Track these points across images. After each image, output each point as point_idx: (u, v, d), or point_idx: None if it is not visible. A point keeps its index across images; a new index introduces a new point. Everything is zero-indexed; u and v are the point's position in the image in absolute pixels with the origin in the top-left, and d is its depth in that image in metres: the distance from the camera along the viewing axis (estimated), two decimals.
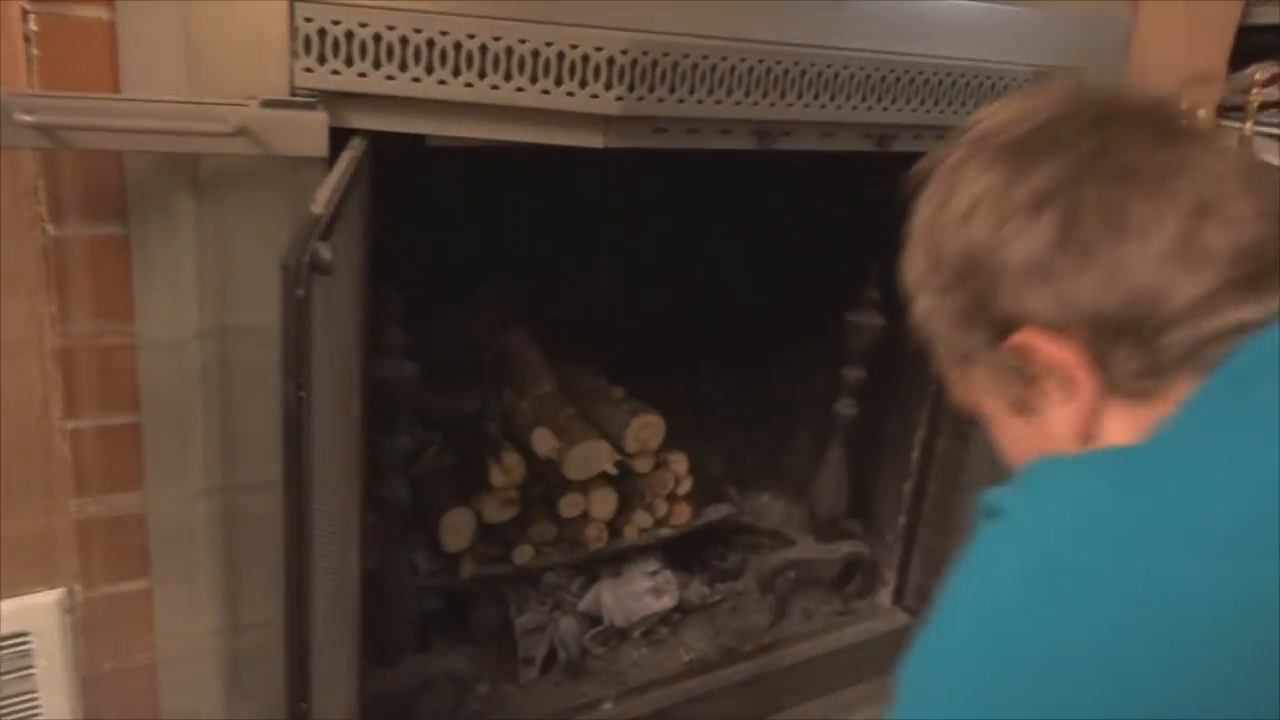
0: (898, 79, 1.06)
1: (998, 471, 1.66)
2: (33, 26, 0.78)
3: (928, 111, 1.10)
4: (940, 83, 1.10)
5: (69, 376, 0.86)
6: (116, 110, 0.73)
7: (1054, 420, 0.56)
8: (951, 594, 0.50)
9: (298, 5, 0.81)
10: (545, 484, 1.51)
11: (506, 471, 1.42)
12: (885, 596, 1.74)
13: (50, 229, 0.81)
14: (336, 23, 0.82)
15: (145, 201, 0.83)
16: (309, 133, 0.80)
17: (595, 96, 0.88)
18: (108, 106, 0.74)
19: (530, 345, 1.64)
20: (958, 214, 0.57)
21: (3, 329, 0.83)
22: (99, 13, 0.79)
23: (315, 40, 0.82)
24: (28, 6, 0.77)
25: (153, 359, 0.87)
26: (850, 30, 1.02)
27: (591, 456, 1.48)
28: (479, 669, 1.50)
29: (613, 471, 1.50)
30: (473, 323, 1.66)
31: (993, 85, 1.14)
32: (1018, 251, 0.54)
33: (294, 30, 0.81)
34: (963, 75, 1.11)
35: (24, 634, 0.92)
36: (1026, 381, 0.57)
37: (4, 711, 0.93)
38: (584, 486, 1.51)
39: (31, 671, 0.93)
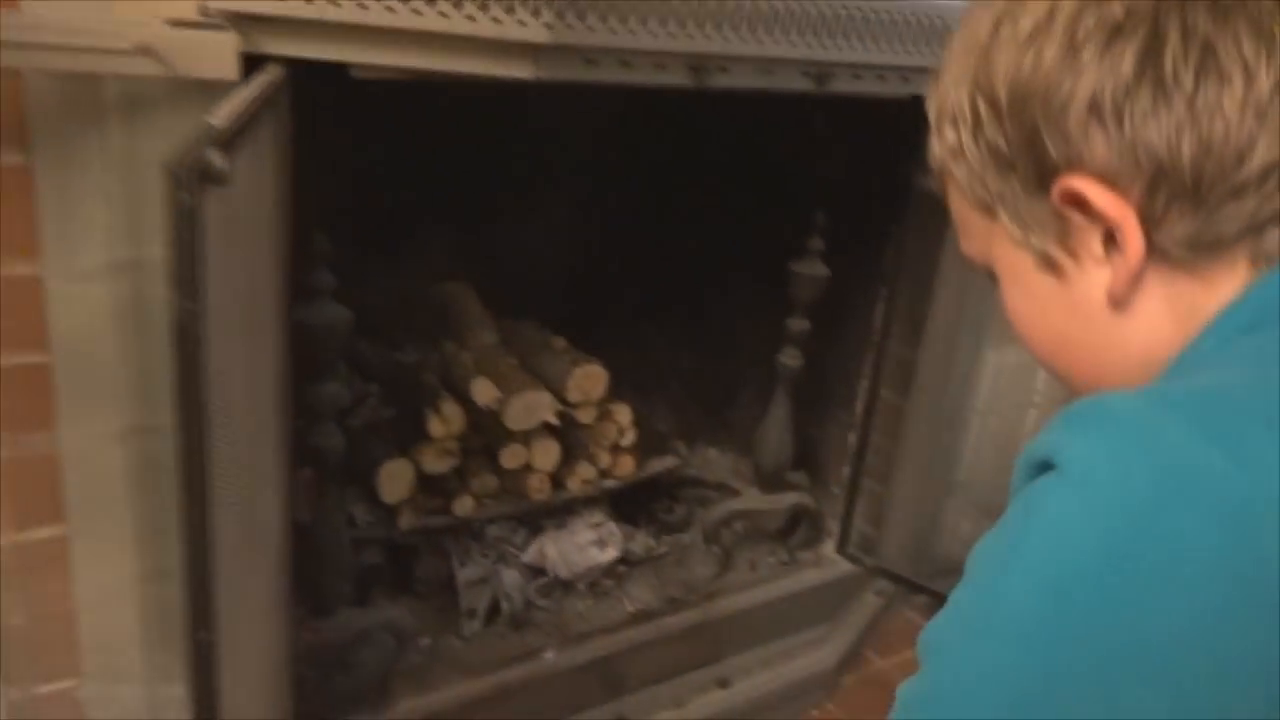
0: (837, 15, 1.05)
1: (940, 423, 1.66)
2: None
3: (867, 50, 1.09)
4: (881, 21, 1.08)
5: None
6: (9, 23, 0.69)
7: (1087, 282, 0.52)
8: (1004, 555, 0.44)
9: None
10: (486, 435, 1.49)
11: (445, 422, 1.40)
12: (830, 547, 1.75)
13: None
14: None
15: (49, 128, 0.79)
16: (217, 54, 0.76)
17: (523, 24, 0.85)
18: (4, 20, 0.70)
19: (469, 296, 1.62)
20: (1020, 37, 0.50)
21: None
22: None
23: None
24: None
25: (61, 294, 0.84)
26: None
27: (533, 406, 1.46)
28: (421, 622, 1.48)
29: (555, 422, 1.48)
30: (410, 273, 1.63)
31: (935, 26, 1.12)
32: (1086, 84, 0.48)
33: None
34: (903, 14, 1.09)
35: None
36: (1064, 235, 0.52)
37: None
38: (526, 438, 1.49)
39: None
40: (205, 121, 0.55)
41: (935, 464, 1.67)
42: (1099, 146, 0.49)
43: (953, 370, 1.62)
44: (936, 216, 1.51)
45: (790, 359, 1.62)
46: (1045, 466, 0.44)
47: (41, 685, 0.97)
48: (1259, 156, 0.47)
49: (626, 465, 1.61)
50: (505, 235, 1.67)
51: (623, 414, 1.59)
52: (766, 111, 1.63)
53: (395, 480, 1.39)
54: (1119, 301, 0.51)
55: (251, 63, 0.81)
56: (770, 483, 1.70)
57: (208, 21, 0.78)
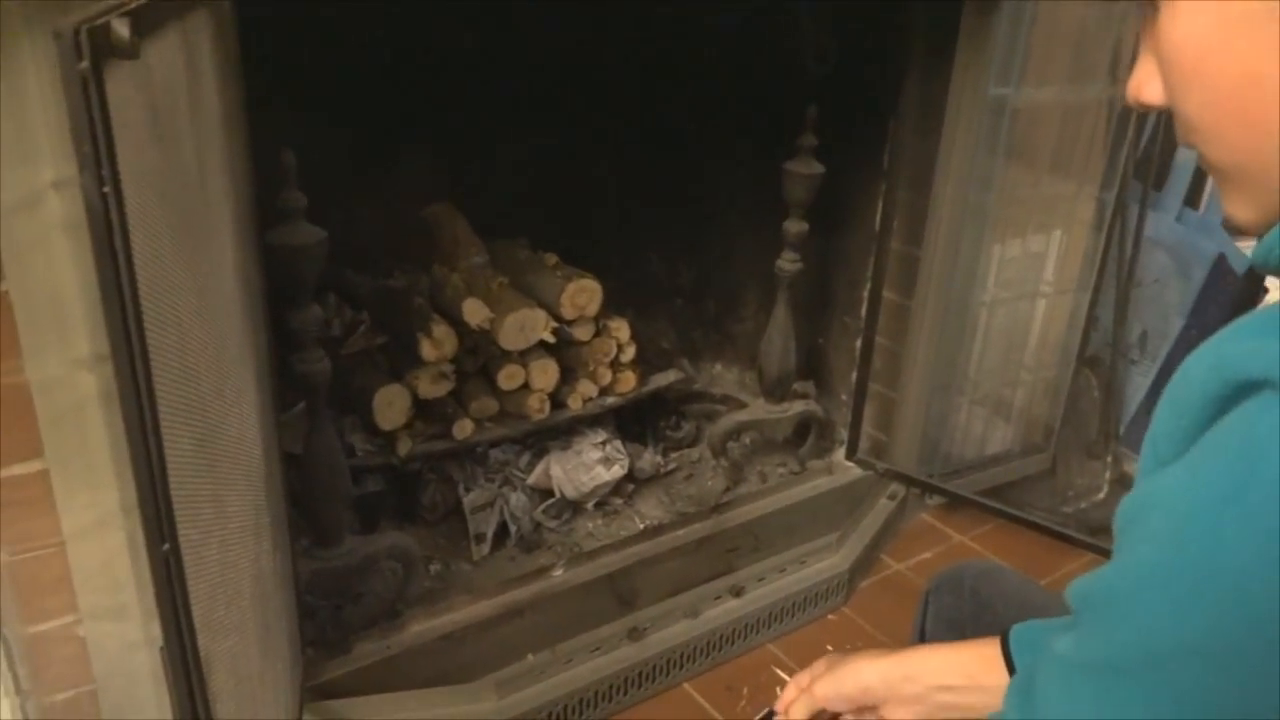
0: None
1: (946, 321, 1.60)
2: None
3: None
4: None
5: None
6: None
7: None
8: (1213, 501, 0.38)
9: None
10: (482, 357, 1.46)
11: (437, 344, 1.37)
12: (840, 454, 1.72)
13: None
14: None
15: None
16: None
17: None
18: None
19: (457, 217, 1.57)
20: None
21: None
22: None
23: None
24: None
25: (9, 216, 0.80)
26: None
27: (527, 325, 1.43)
28: (430, 548, 1.47)
29: (550, 340, 1.45)
30: (395, 198, 1.59)
31: None
32: None
33: None
34: None
35: None
36: None
37: None
38: (523, 357, 1.46)
39: None
40: None
41: (942, 363, 1.63)
42: None
43: (956, 265, 1.57)
44: (931, 106, 1.46)
45: (789, 263, 1.57)
46: (1250, 387, 0.37)
47: (41, 623, 0.96)
48: None
49: (628, 381, 1.59)
50: (490, 154, 1.62)
51: (621, 329, 1.55)
52: (752, 4, 1.56)
53: (391, 407, 1.36)
54: None
55: None
56: (776, 393, 1.67)
57: None
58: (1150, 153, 1.72)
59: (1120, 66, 1.51)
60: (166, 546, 0.53)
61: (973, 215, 1.55)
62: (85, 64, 0.43)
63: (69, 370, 0.86)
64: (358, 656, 1.18)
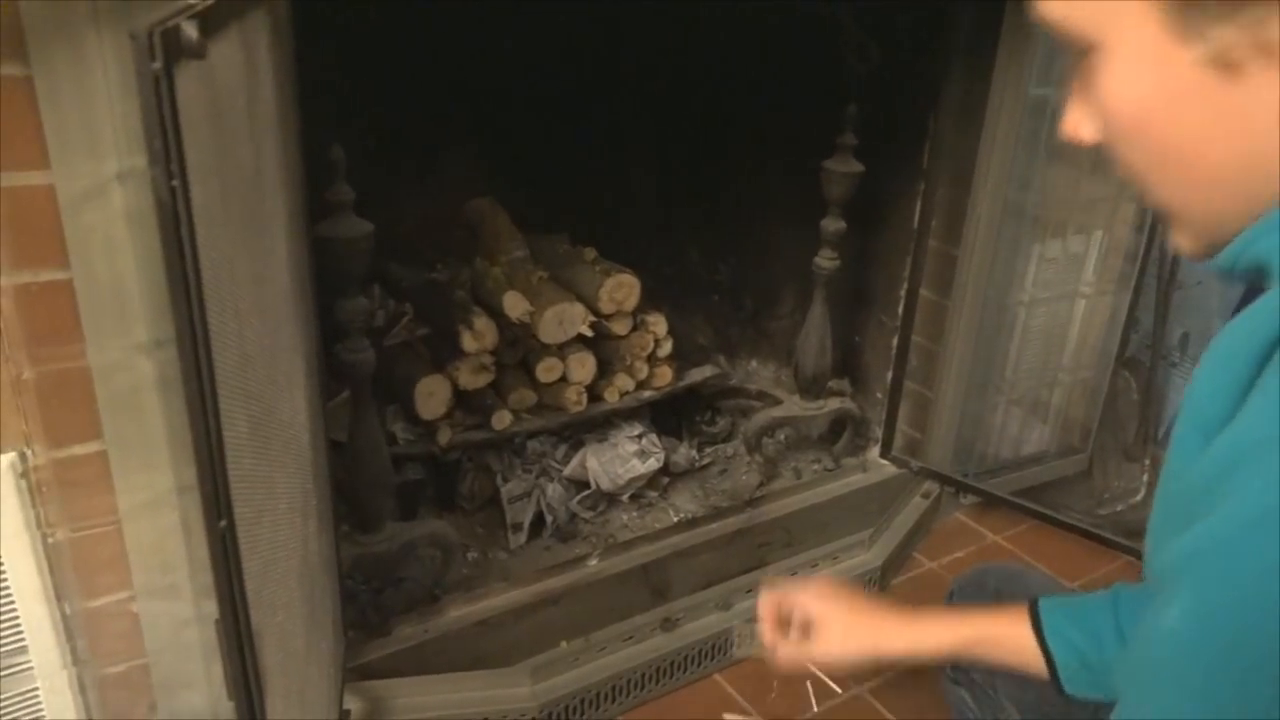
0: None
1: (983, 320, 1.61)
2: None
3: None
4: None
5: None
6: None
7: (1254, 98, 0.44)
8: None
9: None
10: (521, 350, 1.49)
11: (478, 336, 1.40)
12: (874, 451, 1.72)
13: None
14: None
15: (46, 37, 0.78)
16: None
17: None
18: None
19: (499, 211, 1.60)
20: None
21: None
22: None
23: None
24: None
25: (76, 208, 0.84)
26: None
27: (565, 318, 1.45)
28: (468, 536, 1.51)
29: (588, 333, 1.47)
30: (439, 191, 1.62)
31: None
32: None
33: None
34: None
35: None
36: (1260, 22, 0.42)
37: None
38: (561, 350, 1.49)
39: None
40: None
41: (979, 363, 1.63)
42: None
43: (995, 265, 1.57)
44: (971, 106, 1.46)
45: (827, 260, 1.58)
46: None
47: (98, 598, 1.00)
48: None
49: (665, 375, 1.60)
50: (533, 150, 1.65)
51: (658, 324, 1.57)
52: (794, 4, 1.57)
53: (432, 397, 1.40)
54: None
55: None
56: (812, 390, 1.68)
57: None
58: None
59: None
60: (224, 523, 0.56)
61: (1012, 215, 1.55)
62: (158, 64, 0.46)
63: (128, 356, 0.90)
64: (397, 639, 1.21)
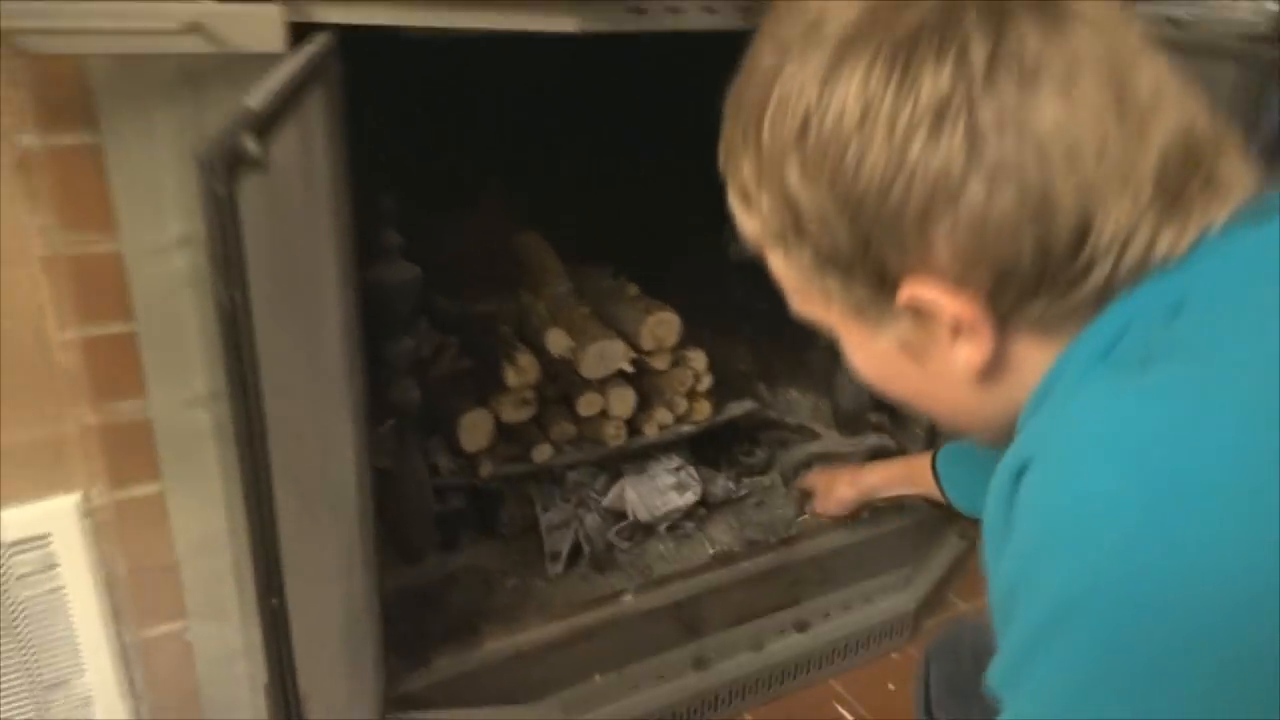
0: None
1: None
2: None
3: None
4: None
5: (61, 287, 0.88)
6: (62, 11, 0.73)
7: (945, 360, 0.52)
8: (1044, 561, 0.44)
9: None
10: (563, 384, 1.52)
11: (521, 371, 1.43)
12: None
13: (22, 140, 0.82)
14: None
15: (114, 105, 0.83)
16: (264, 26, 0.78)
17: None
18: (53, 8, 0.73)
19: (543, 246, 1.63)
20: (841, 135, 0.47)
21: None
22: None
23: None
24: None
25: (140, 266, 0.88)
26: None
27: (607, 355, 1.48)
28: (507, 564, 1.54)
29: (629, 370, 1.50)
30: (485, 226, 1.66)
31: None
32: (919, 186, 0.46)
33: None
34: None
35: (46, 535, 0.96)
36: (914, 327, 0.51)
37: (36, 606, 0.98)
38: (602, 385, 1.51)
39: (57, 570, 0.97)
40: (241, 104, 0.57)
41: None
42: (942, 249, 0.47)
43: None
44: None
45: None
46: (1023, 470, 0.45)
47: (151, 629, 1.05)
48: (1106, 227, 0.46)
49: (703, 410, 1.62)
50: (575, 184, 1.68)
51: (698, 359, 1.59)
52: None
53: (475, 430, 1.43)
54: (984, 374, 0.51)
55: (301, 31, 0.82)
56: (851, 424, 1.69)
57: None
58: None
59: None
60: (275, 601, 0.59)
61: None
62: (222, 190, 0.49)
63: (186, 405, 0.94)
64: (436, 670, 1.24)
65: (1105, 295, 0.48)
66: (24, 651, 0.98)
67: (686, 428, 1.62)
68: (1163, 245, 0.47)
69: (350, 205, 0.91)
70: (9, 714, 1.00)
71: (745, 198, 0.54)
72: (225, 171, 0.49)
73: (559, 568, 1.55)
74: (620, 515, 1.61)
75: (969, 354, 0.51)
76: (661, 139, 1.69)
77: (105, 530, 0.99)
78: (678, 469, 1.64)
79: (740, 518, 1.70)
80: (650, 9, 0.92)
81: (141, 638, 1.05)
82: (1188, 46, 1.20)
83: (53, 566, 0.97)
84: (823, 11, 0.49)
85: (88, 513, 0.98)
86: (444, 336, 1.57)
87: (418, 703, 1.22)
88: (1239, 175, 0.49)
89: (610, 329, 1.52)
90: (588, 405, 1.51)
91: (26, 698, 1.00)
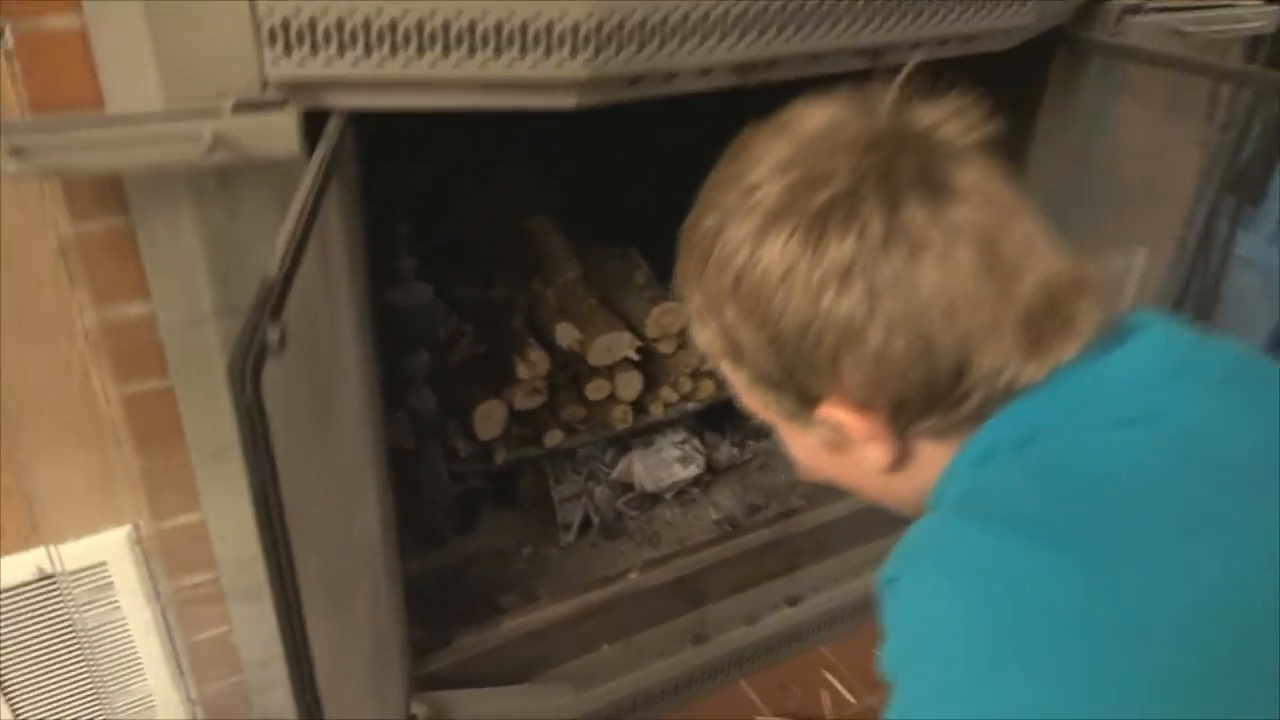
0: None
1: None
2: (9, 44, 0.81)
3: (927, 24, 1.06)
4: None
5: (103, 353, 0.96)
6: (98, 138, 0.78)
7: (861, 456, 0.63)
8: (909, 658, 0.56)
9: (258, 2, 0.82)
10: (572, 370, 1.59)
11: (531, 366, 1.50)
12: None
13: (63, 226, 0.88)
14: (298, 12, 0.83)
15: (146, 201, 0.88)
16: (280, 135, 0.83)
17: (561, 65, 0.88)
18: (89, 136, 0.78)
19: (553, 232, 1.68)
20: (767, 284, 0.58)
21: (38, 313, 0.93)
22: (69, 21, 0.81)
23: (279, 32, 0.83)
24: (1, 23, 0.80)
25: (174, 334, 0.95)
26: None
27: (614, 345, 1.55)
28: (523, 535, 1.65)
29: (635, 358, 1.57)
30: (498, 209, 1.70)
31: None
32: (832, 330, 0.57)
33: (257, 24, 0.82)
34: None
35: (103, 563, 1.07)
36: (834, 433, 0.62)
37: (98, 623, 1.10)
38: (609, 371, 1.59)
39: (113, 594, 1.08)
40: (262, 276, 0.63)
41: None
42: (850, 379, 0.58)
43: None
44: (1024, 115, 1.47)
45: None
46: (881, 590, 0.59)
47: (199, 634, 1.16)
48: (981, 365, 0.57)
49: (707, 388, 1.69)
50: (587, 167, 1.71)
51: None
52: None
53: (489, 420, 1.51)
54: (891, 468, 0.63)
55: (313, 119, 0.87)
56: None
57: (269, 100, 0.84)
58: (1248, 169, 1.70)
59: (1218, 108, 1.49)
60: (309, 697, 0.69)
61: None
62: (250, 391, 0.56)
63: (223, 449, 1.03)
64: (457, 649, 1.36)
65: (985, 411, 0.59)
66: (91, 664, 1.10)
67: (691, 405, 1.70)
68: (1025, 376, 0.58)
69: (368, 281, 0.96)
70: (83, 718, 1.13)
71: (698, 319, 0.65)
72: (252, 373, 0.56)
73: (571, 537, 1.66)
74: (628, 486, 1.71)
75: (877, 455, 0.62)
76: (672, 122, 1.71)
77: (153, 555, 1.09)
78: (683, 442, 1.73)
79: (744, 482, 1.80)
80: (646, 80, 0.95)
81: (190, 641, 1.16)
82: (1192, 67, 1.21)
83: (109, 588, 1.08)
84: (754, 188, 0.59)
85: (137, 541, 1.08)
86: (460, 323, 1.64)
87: (442, 678, 1.34)
88: (1091, 315, 0.59)
89: (617, 318, 1.58)
90: (596, 390, 1.59)
91: (96, 703, 1.12)
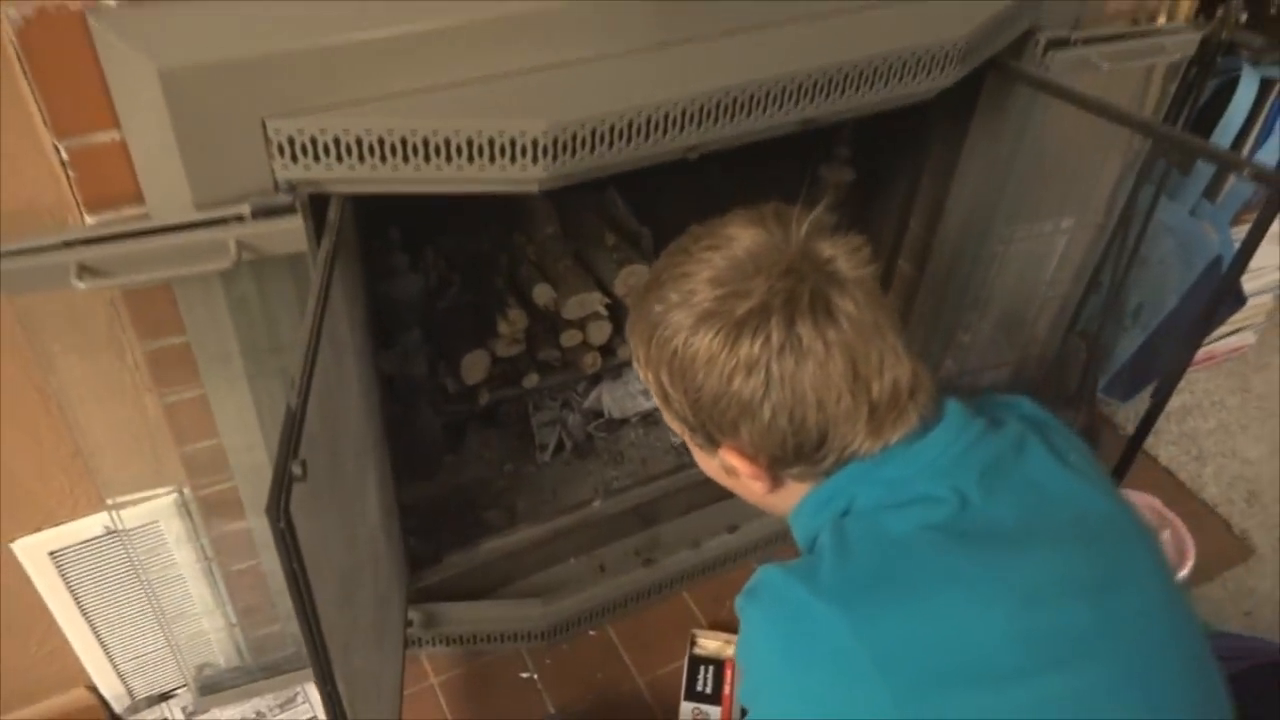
0: (829, 79, 1.16)
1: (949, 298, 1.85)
2: (64, 155, 0.98)
3: (854, 97, 1.20)
4: (868, 71, 1.18)
5: (146, 371, 1.17)
6: (141, 254, 0.96)
7: (748, 479, 0.88)
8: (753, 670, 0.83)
9: (268, 122, 0.98)
10: (549, 321, 1.79)
11: (511, 323, 1.71)
12: None
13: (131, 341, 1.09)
14: (301, 131, 0.99)
15: (194, 307, 1.09)
16: (291, 235, 1.01)
17: (525, 169, 1.04)
18: (133, 252, 0.96)
19: None
20: (697, 360, 0.81)
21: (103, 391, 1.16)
22: (111, 135, 0.98)
23: (286, 146, 0.99)
24: (57, 142, 0.97)
25: (211, 368, 1.16)
26: (771, 58, 1.12)
27: (585, 303, 1.74)
28: (504, 451, 1.90)
29: (604, 314, 1.77)
30: None
31: (914, 62, 1.21)
32: (734, 403, 0.81)
33: (267, 140, 0.99)
34: (888, 60, 1.19)
35: (155, 521, 1.32)
36: (729, 465, 0.88)
37: (155, 569, 1.36)
38: (581, 322, 1.79)
39: (166, 544, 1.34)
40: (284, 411, 0.83)
41: (940, 336, 1.89)
42: (743, 435, 0.83)
43: (963, 254, 1.77)
44: (959, 120, 1.60)
45: None
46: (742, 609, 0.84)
47: (236, 566, 1.43)
48: (838, 438, 0.82)
49: None
50: None
51: None
52: None
53: (474, 367, 1.73)
54: (768, 492, 0.89)
55: (317, 199, 1.05)
56: None
57: (281, 204, 1.01)
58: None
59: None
60: (330, 687, 0.95)
61: (984, 210, 1.72)
62: (285, 527, 0.78)
63: (248, 440, 1.25)
64: (447, 566, 1.64)
65: (832, 468, 0.85)
66: (152, 600, 1.37)
67: None
68: (864, 449, 0.83)
69: (372, 340, 1.16)
70: (149, 643, 1.41)
71: (640, 365, 0.89)
72: (285, 510, 0.78)
73: (547, 457, 1.91)
74: (598, 414, 1.95)
75: (757, 485, 0.89)
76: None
77: (196, 513, 1.34)
78: None
79: None
80: (597, 169, 1.10)
81: (229, 571, 1.43)
82: (1104, 112, 1.33)
83: (162, 541, 1.34)
84: (693, 292, 0.82)
85: (182, 503, 1.33)
86: (448, 272, 1.82)
87: (434, 591, 1.63)
88: (919, 408, 0.83)
89: (589, 277, 1.77)
90: (569, 339, 1.80)
91: (158, 629, 1.41)
